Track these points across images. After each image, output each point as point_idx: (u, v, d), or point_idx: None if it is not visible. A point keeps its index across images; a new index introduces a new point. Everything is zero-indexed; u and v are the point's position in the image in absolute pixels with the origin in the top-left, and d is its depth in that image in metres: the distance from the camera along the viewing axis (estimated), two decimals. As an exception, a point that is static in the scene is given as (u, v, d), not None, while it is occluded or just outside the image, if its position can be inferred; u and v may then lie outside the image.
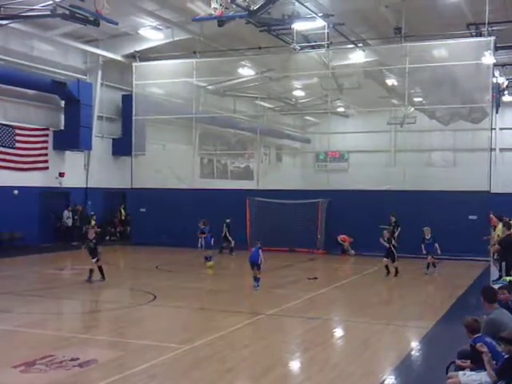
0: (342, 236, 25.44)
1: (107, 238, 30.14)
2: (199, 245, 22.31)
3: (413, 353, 10.85)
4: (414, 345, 11.43)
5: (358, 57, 28.90)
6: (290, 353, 10.97)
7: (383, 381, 9.04)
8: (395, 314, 13.93)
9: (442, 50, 26.22)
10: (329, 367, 9.72)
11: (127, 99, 30.74)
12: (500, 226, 18.36)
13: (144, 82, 29.69)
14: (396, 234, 21.74)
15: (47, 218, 27.57)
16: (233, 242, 24.65)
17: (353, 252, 25.30)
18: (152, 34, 27.82)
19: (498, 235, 17.96)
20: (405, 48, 25.32)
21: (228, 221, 24.58)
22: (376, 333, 12.28)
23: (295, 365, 10.36)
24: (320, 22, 24.64)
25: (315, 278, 18.96)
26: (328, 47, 26.38)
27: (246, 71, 31.98)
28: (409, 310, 14.70)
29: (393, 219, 23.03)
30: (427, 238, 19.99)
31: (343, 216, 25.28)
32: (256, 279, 16.49)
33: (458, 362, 7.84)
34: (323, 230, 25.75)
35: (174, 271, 18.55)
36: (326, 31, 25.36)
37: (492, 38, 23.89)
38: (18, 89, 25.93)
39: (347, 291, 17.43)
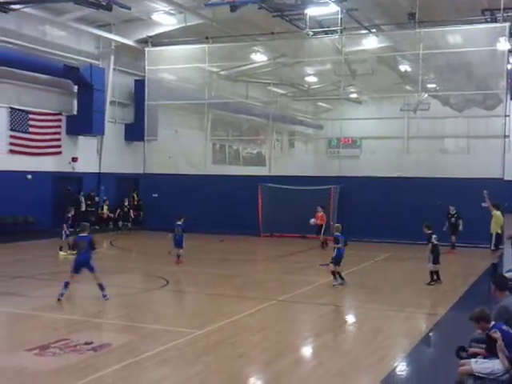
0: (319, 214, 23.37)
1: (120, 223, 30.29)
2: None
3: (425, 340, 10.85)
4: (426, 332, 11.44)
5: (371, 42, 28.69)
6: (301, 338, 11.03)
7: (395, 367, 9.06)
8: (407, 301, 13.93)
9: (457, 36, 25.97)
10: (340, 353, 9.76)
11: (140, 84, 30.73)
12: (498, 213, 18.24)
13: (156, 67, 29.66)
14: (460, 228, 21.58)
15: (61, 202, 27.69)
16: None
17: (321, 237, 22.99)
18: (165, 19, 27.73)
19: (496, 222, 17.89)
20: (419, 34, 25.08)
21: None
22: (388, 319, 12.29)
23: (307, 350, 10.40)
24: (333, 7, 24.46)
25: (327, 265, 18.92)
26: (341, 33, 26.18)
27: (259, 57, 31.84)
28: (421, 296, 14.67)
29: (453, 210, 22.02)
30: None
31: (355, 202, 25.22)
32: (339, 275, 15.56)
33: (472, 348, 7.84)
34: (336, 217, 25.69)
35: (186, 256, 18.60)
36: (339, 16, 25.16)
37: (507, 24, 23.62)
38: (31, 74, 25.98)
39: (359, 278, 17.42)
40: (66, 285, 13.06)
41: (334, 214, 25.61)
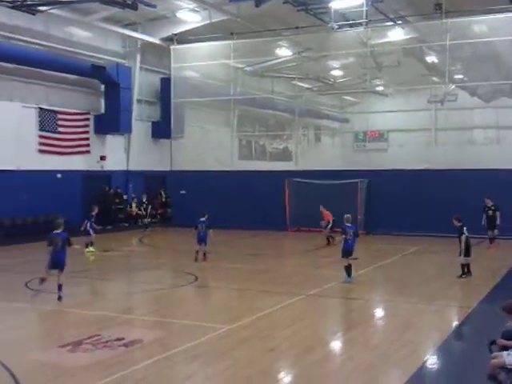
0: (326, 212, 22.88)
1: (148, 220, 30.57)
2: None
3: (455, 333, 10.78)
4: (457, 325, 11.35)
5: (397, 34, 28.42)
6: (331, 333, 11.03)
7: (426, 361, 9.01)
8: (437, 294, 13.82)
9: (484, 26, 25.60)
10: (370, 347, 9.73)
11: (166, 82, 30.92)
12: None
13: (182, 64, 29.81)
14: (498, 222, 21.12)
15: (91, 200, 28.02)
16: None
17: (328, 231, 22.37)
18: (189, 17, 27.85)
19: None
20: (445, 24, 24.80)
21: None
22: (418, 313, 12.22)
23: (336, 345, 10.41)
24: (358, 0, 24.29)
25: (355, 259, 18.84)
26: (366, 25, 25.99)
27: (284, 51, 31.79)
28: (451, 289, 14.56)
29: (489, 202, 21.43)
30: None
31: (383, 196, 25.09)
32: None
33: (503, 341, 7.76)
34: (363, 211, 25.59)
35: (214, 252, 18.72)
36: (364, 9, 24.96)
37: (536, 12, 23.25)
38: (59, 74, 26.34)
39: (388, 271, 17.35)
40: (42, 281, 12.98)
41: (362, 208, 25.53)
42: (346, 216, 15.38)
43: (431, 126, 37.67)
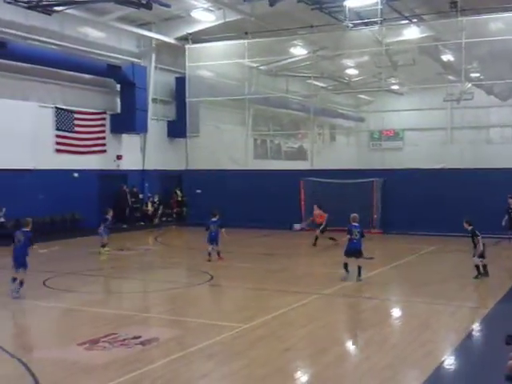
0: (316, 212, 22.56)
1: (164, 218, 30.73)
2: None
3: (473, 334, 10.72)
4: (474, 325, 11.28)
5: (412, 33, 28.30)
6: (347, 333, 11.02)
7: (443, 361, 8.97)
8: (454, 295, 13.74)
9: (500, 24, 25.40)
10: (387, 347, 9.70)
11: (181, 81, 31.00)
12: None
13: (197, 64, 29.85)
14: None
15: (107, 199, 28.18)
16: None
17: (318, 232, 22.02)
18: (204, 16, 27.89)
19: None
20: (461, 22, 24.62)
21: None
22: (434, 313, 12.15)
23: (353, 345, 10.39)
24: (373, -2, 24.25)
25: (371, 258, 18.79)
26: (381, 24, 25.90)
27: (298, 50, 31.76)
28: (468, 290, 14.47)
29: None
30: None
31: (399, 195, 24.99)
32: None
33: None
34: (379, 210, 25.51)
35: (230, 251, 18.75)
36: (379, 7, 24.91)
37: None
38: (75, 74, 26.47)
39: (404, 271, 17.28)
40: (13, 280, 13.02)
41: (378, 208, 25.46)
42: (352, 215, 15.21)
43: (447, 124, 37.48)
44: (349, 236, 14.92)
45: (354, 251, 14.90)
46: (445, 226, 23.35)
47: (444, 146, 33.67)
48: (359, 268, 14.88)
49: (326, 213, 22.11)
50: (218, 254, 18.13)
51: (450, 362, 9.08)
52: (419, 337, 10.28)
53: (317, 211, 22.52)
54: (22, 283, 12.93)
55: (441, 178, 24.77)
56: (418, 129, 40.49)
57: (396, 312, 12.96)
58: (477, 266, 15.15)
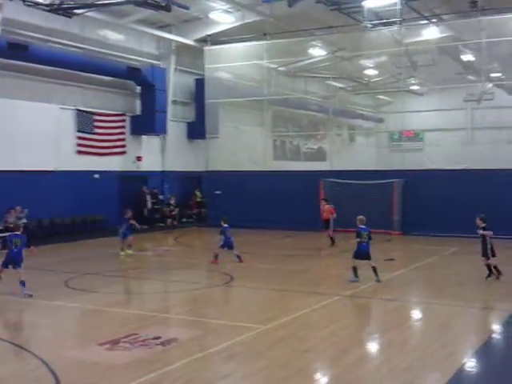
0: (325, 207, 22.32)
1: (184, 219, 30.85)
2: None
3: (494, 336, 10.63)
4: (495, 328, 11.19)
5: (431, 33, 28.12)
6: (367, 334, 10.96)
7: (464, 364, 8.91)
8: (475, 296, 13.63)
9: (520, 23, 25.16)
10: (408, 349, 9.65)
11: (200, 83, 31.11)
12: None
13: (216, 65, 29.93)
14: None
15: (126, 200, 28.32)
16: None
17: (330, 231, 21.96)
18: (222, 18, 27.98)
19: None
20: (481, 22, 24.40)
21: None
22: (456, 315, 12.07)
23: (373, 346, 10.34)
24: (392, -1, 24.15)
25: (392, 259, 18.76)
26: (400, 24, 25.76)
27: (317, 51, 31.73)
28: (490, 292, 14.33)
29: None
30: None
31: (419, 196, 24.84)
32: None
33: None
34: (399, 211, 25.37)
35: (249, 252, 18.77)
36: (398, 7, 24.78)
37: None
38: (95, 76, 26.70)
39: (425, 272, 17.15)
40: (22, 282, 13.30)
41: (398, 209, 25.33)
42: (359, 217, 14.97)
43: (467, 125, 37.20)
44: (358, 239, 14.72)
45: (364, 254, 14.75)
46: (465, 228, 22.97)
47: (465, 146, 33.45)
48: (375, 269, 14.74)
49: (335, 208, 22.06)
50: (239, 256, 18.04)
51: (471, 364, 9.01)
52: (440, 339, 10.22)
53: (325, 206, 22.33)
54: (23, 283, 13.24)
55: (461, 179, 24.56)
56: (439, 129, 40.20)
57: (416, 314, 12.89)
58: (488, 266, 14.92)
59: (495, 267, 14.98)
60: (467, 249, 21.18)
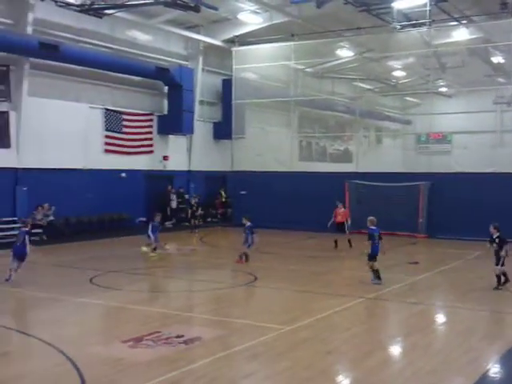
0: (340, 210, 22.22)
1: (209, 219, 30.98)
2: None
3: (520, 341, 10.49)
4: (522, 333, 11.05)
5: (461, 34, 27.83)
6: (391, 337, 10.90)
7: (488, 369, 8.81)
8: (501, 301, 13.48)
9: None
10: (431, 353, 9.58)
11: (227, 83, 31.22)
12: None
13: (243, 66, 30.01)
14: None
15: (152, 199, 28.51)
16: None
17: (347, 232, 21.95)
18: (251, 18, 28.05)
19: None
20: (512, 24, 24.13)
21: None
22: (481, 320, 11.95)
23: (396, 349, 10.27)
24: (422, 0, 23.93)
25: (416, 263, 18.62)
26: (430, 25, 25.55)
27: (345, 52, 31.64)
28: (516, 296, 14.16)
29: None
30: None
31: (446, 199, 24.60)
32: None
33: None
34: (425, 214, 25.16)
35: (273, 253, 18.79)
36: (427, 9, 24.58)
37: None
38: (124, 76, 26.97)
39: (450, 276, 17.00)
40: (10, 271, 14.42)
41: (424, 211, 25.11)
42: (370, 218, 14.90)
43: (496, 127, 36.73)
44: (371, 241, 14.69)
45: (376, 255, 14.76)
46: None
47: (493, 149, 32.99)
48: (378, 270, 14.78)
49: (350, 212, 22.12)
50: (246, 256, 18.08)
51: (495, 370, 8.91)
52: (464, 343, 10.13)
53: (341, 209, 22.19)
54: (15, 271, 14.45)
55: (490, 182, 24.25)
56: (467, 132, 39.71)
57: (441, 317, 12.78)
58: (498, 276, 14.37)
59: (504, 274, 14.46)
60: (492, 253, 20.94)
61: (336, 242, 21.73)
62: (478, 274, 17.19)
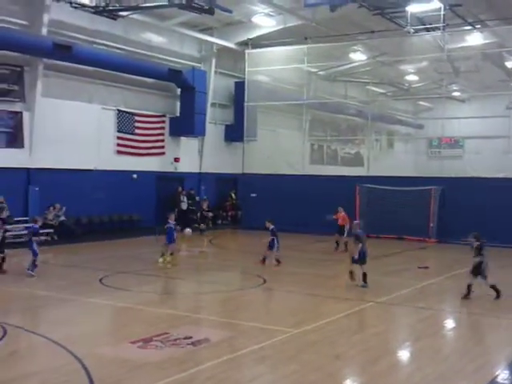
0: (341, 214, 22.41)
1: (219, 221, 31.00)
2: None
3: (530, 348, 10.43)
4: (532, 340, 10.97)
5: (475, 39, 27.74)
6: (399, 342, 10.88)
7: (497, 376, 8.77)
8: (510, 308, 13.38)
9: None
10: (440, 359, 9.54)
11: (239, 86, 31.24)
12: None
13: (256, 68, 30.03)
14: None
15: (163, 201, 28.57)
16: None
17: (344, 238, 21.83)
18: (264, 21, 28.06)
19: None
20: (527, 28, 24.03)
21: None
22: (490, 326, 11.90)
23: (405, 354, 10.24)
24: (436, 4, 23.89)
25: (426, 267, 18.55)
26: (444, 29, 25.46)
27: (358, 56, 31.59)
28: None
29: None
30: None
31: (457, 204, 24.47)
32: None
33: None
34: (436, 219, 25.05)
35: (283, 256, 18.74)
36: (442, 13, 24.49)
37: None
38: (137, 77, 27.06)
39: (460, 282, 16.82)
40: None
41: (434, 216, 25.02)
42: (355, 222, 15.11)
43: (509, 133, 36.47)
44: (360, 244, 14.75)
45: (365, 257, 14.80)
46: (504, 237, 22.75)
47: (506, 154, 32.80)
48: (366, 275, 14.76)
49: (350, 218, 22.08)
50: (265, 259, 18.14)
51: (503, 376, 8.85)
52: (473, 349, 10.08)
53: (341, 213, 22.36)
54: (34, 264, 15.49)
55: (502, 188, 24.12)
56: (479, 137, 39.57)
57: (450, 323, 12.73)
58: (469, 286, 13.84)
59: (493, 286, 13.93)
60: (503, 259, 20.84)
61: (337, 242, 21.95)
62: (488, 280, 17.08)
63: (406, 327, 12.10)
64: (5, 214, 18.17)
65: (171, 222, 18.26)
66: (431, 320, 12.44)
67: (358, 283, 14.85)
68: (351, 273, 14.98)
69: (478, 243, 14.03)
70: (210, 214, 29.85)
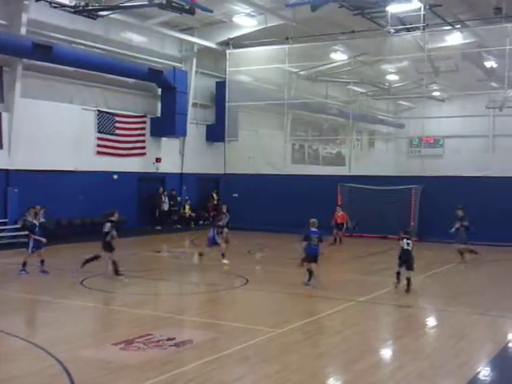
0: (339, 214, 24.27)
1: (201, 222, 30.92)
2: None
3: (510, 345, 10.52)
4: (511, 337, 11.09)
5: (455, 39, 27.99)
6: (381, 340, 10.93)
7: (478, 372, 8.84)
8: (492, 304, 13.51)
9: (546, 30, 24.93)
10: (422, 357, 9.61)
11: (221, 86, 31.22)
12: None
13: (237, 68, 30.04)
14: None
15: (145, 201, 28.46)
16: None
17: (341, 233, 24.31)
18: (245, 21, 28.05)
19: None
20: (505, 29, 24.26)
21: None
22: (471, 323, 11.99)
23: (387, 353, 10.32)
24: (416, 4, 24.06)
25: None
26: (424, 29, 25.65)
27: (339, 56, 31.70)
28: (507, 300, 14.20)
29: None
30: None
31: (438, 203, 24.66)
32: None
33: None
34: (417, 218, 25.22)
35: (265, 256, 18.79)
36: (422, 13, 24.68)
37: None
38: (117, 77, 26.90)
39: (441, 279, 17.05)
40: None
41: (415, 215, 25.18)
42: (311, 220, 15.06)
43: (489, 132, 36.89)
44: (305, 242, 14.79)
45: (313, 257, 14.83)
46: (485, 236, 22.93)
47: (485, 153, 33.15)
48: (312, 273, 14.82)
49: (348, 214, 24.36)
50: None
51: (485, 373, 8.94)
52: (455, 347, 10.16)
53: (340, 213, 24.25)
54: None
55: (481, 186, 24.34)
56: (459, 136, 39.94)
57: (431, 321, 12.81)
58: (398, 273, 14.59)
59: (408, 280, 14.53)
60: (484, 257, 21.06)
61: (335, 239, 23.71)
62: (468, 278, 17.32)
63: (387, 325, 12.16)
64: None
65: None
66: (413, 318, 12.53)
67: (304, 282, 14.86)
68: (310, 272, 14.93)
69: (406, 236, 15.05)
70: (188, 213, 29.83)
